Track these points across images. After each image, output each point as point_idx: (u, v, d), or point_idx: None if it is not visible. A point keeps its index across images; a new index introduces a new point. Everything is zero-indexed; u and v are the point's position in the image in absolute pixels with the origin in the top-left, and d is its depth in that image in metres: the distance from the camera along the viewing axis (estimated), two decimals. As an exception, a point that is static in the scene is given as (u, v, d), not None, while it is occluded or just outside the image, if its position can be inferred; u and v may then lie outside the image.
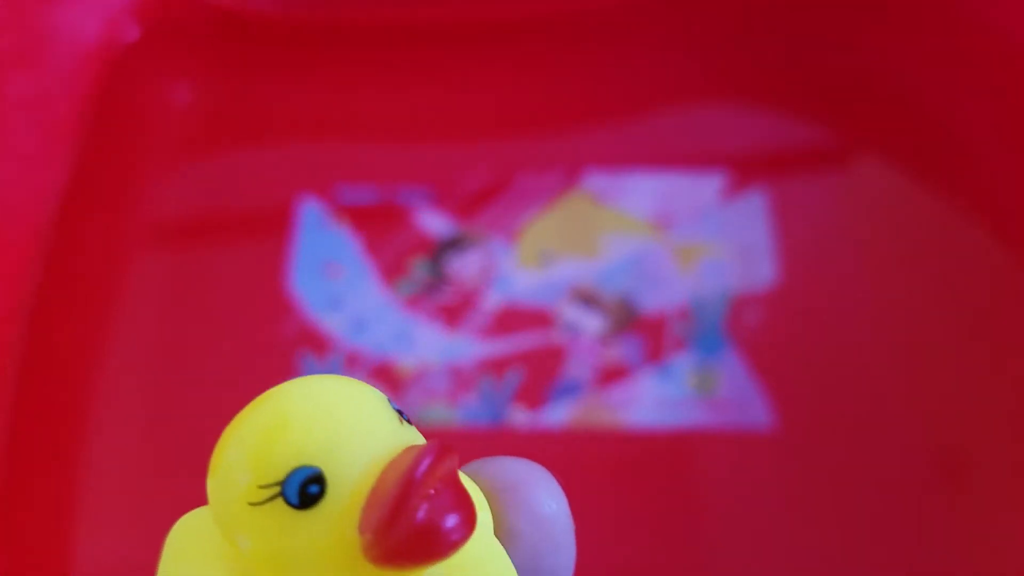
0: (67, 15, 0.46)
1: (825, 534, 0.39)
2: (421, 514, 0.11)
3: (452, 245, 0.46)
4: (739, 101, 0.50)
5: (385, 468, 0.12)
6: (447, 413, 0.42)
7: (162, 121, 0.50)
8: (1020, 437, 0.40)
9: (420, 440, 0.13)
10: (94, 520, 0.40)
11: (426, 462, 0.11)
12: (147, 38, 0.48)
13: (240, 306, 0.45)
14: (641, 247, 0.46)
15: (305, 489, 0.12)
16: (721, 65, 0.50)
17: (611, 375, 0.43)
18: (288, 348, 0.44)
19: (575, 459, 0.42)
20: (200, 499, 0.13)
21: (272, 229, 0.47)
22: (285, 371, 0.43)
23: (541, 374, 0.43)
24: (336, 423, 0.12)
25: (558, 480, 0.14)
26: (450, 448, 0.12)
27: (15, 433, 0.38)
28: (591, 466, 0.41)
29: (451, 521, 0.11)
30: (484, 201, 0.47)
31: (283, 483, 0.12)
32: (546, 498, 0.14)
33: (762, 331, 0.43)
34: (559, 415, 0.42)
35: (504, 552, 0.13)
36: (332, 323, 0.44)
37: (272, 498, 0.12)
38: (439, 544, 0.11)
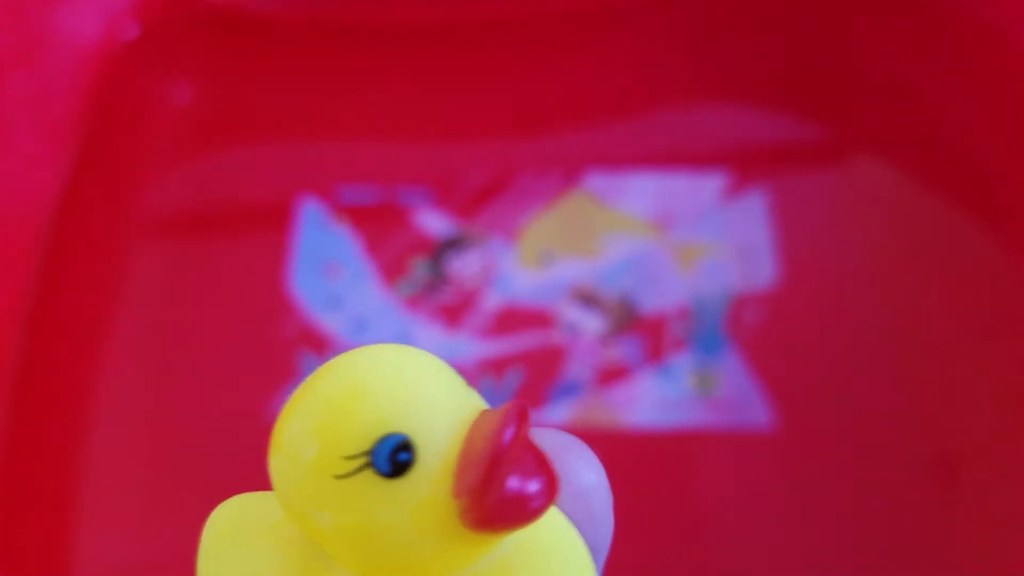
0: (67, 15, 0.46)
1: (825, 534, 0.39)
2: (512, 479, 0.11)
3: (452, 245, 0.46)
4: (739, 101, 0.50)
5: (469, 431, 0.12)
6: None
7: (162, 121, 0.50)
8: (1020, 438, 0.40)
9: (486, 405, 0.13)
10: (93, 517, 0.40)
11: (512, 425, 0.11)
12: (147, 38, 0.48)
13: (240, 306, 0.45)
14: (641, 247, 0.46)
15: (395, 457, 0.11)
16: (721, 65, 0.50)
17: (611, 375, 0.43)
18: (288, 348, 0.44)
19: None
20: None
21: (272, 229, 0.47)
22: (285, 371, 0.43)
23: (541, 374, 0.43)
24: (416, 388, 0.12)
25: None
26: (527, 411, 0.12)
27: (15, 430, 0.38)
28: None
29: (537, 486, 0.11)
30: (484, 201, 0.47)
31: (371, 452, 0.11)
32: (585, 470, 0.14)
33: (762, 331, 0.43)
34: (559, 415, 0.42)
35: (564, 516, 0.13)
36: (332, 323, 0.44)
37: (360, 468, 0.11)
38: (529, 508, 0.11)
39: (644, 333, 0.44)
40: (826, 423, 0.41)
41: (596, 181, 0.48)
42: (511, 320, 0.44)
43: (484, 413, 0.12)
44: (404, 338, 0.44)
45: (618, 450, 0.41)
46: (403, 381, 0.12)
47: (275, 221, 0.47)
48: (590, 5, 0.50)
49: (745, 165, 0.48)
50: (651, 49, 0.51)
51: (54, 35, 0.45)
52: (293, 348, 0.44)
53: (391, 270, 0.46)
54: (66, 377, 0.43)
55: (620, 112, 0.50)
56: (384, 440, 0.11)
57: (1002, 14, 0.44)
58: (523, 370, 0.43)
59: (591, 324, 0.44)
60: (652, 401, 0.42)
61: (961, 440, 0.40)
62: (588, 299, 0.45)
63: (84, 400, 0.42)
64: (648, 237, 0.46)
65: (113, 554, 0.39)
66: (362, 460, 0.11)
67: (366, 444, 0.11)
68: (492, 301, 0.45)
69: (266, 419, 0.42)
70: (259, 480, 0.13)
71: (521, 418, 0.12)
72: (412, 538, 0.12)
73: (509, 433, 0.11)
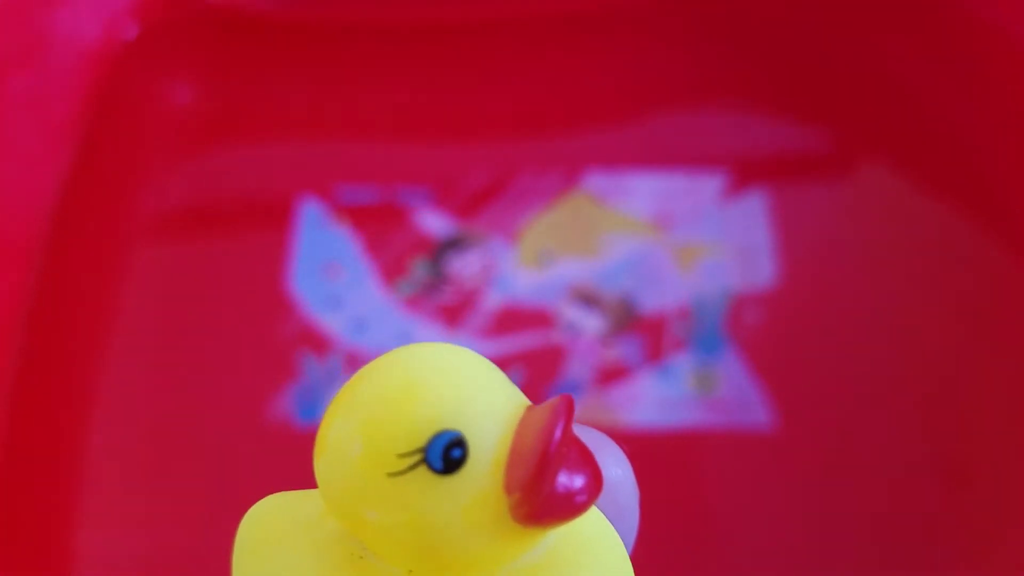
0: (67, 15, 0.46)
1: (825, 534, 0.39)
2: (563, 476, 0.11)
3: (452, 245, 0.46)
4: (740, 102, 0.50)
5: (519, 426, 0.12)
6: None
7: (162, 120, 0.50)
8: (1021, 438, 0.40)
9: (528, 401, 0.13)
10: (93, 516, 0.40)
11: (562, 421, 0.11)
12: (147, 37, 0.48)
13: (240, 306, 0.45)
14: (641, 247, 0.46)
15: (449, 454, 0.12)
16: (722, 66, 0.50)
17: (611, 375, 0.43)
18: (288, 348, 0.44)
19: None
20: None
21: (272, 229, 0.47)
22: (285, 371, 0.43)
23: (541, 374, 0.43)
24: (467, 385, 0.12)
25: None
26: (573, 406, 0.12)
27: (15, 429, 0.38)
28: (591, 466, 0.41)
29: (582, 481, 0.12)
30: (484, 201, 0.47)
31: (425, 449, 0.12)
32: (612, 464, 0.14)
33: (762, 331, 0.43)
34: (559, 415, 0.42)
35: (598, 510, 0.13)
36: (332, 323, 0.44)
37: (414, 466, 0.12)
38: (577, 503, 0.11)
39: (644, 333, 0.44)
40: (826, 423, 0.41)
41: (596, 181, 0.48)
42: (511, 320, 0.44)
43: (531, 409, 0.12)
44: (404, 338, 0.44)
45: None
46: (454, 378, 0.12)
47: (275, 221, 0.47)
48: (591, 6, 0.50)
49: (745, 166, 0.48)
50: (652, 50, 0.51)
51: (54, 35, 0.45)
52: (293, 348, 0.44)
53: (391, 270, 0.46)
54: (66, 377, 0.43)
55: (620, 112, 0.50)
56: (437, 437, 0.12)
57: (1008, 20, 0.44)
58: (523, 370, 0.43)
59: (591, 324, 0.44)
60: (652, 401, 0.42)
61: (962, 440, 0.40)
62: (588, 299, 0.45)
63: (84, 400, 0.42)
64: (648, 237, 0.46)
65: (113, 553, 0.39)
66: (416, 457, 0.12)
67: (420, 441, 0.12)
68: (492, 301, 0.45)
69: (266, 419, 0.42)
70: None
71: (569, 414, 0.12)
72: (463, 533, 0.12)
73: (559, 430, 0.11)
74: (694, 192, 0.47)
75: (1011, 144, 0.44)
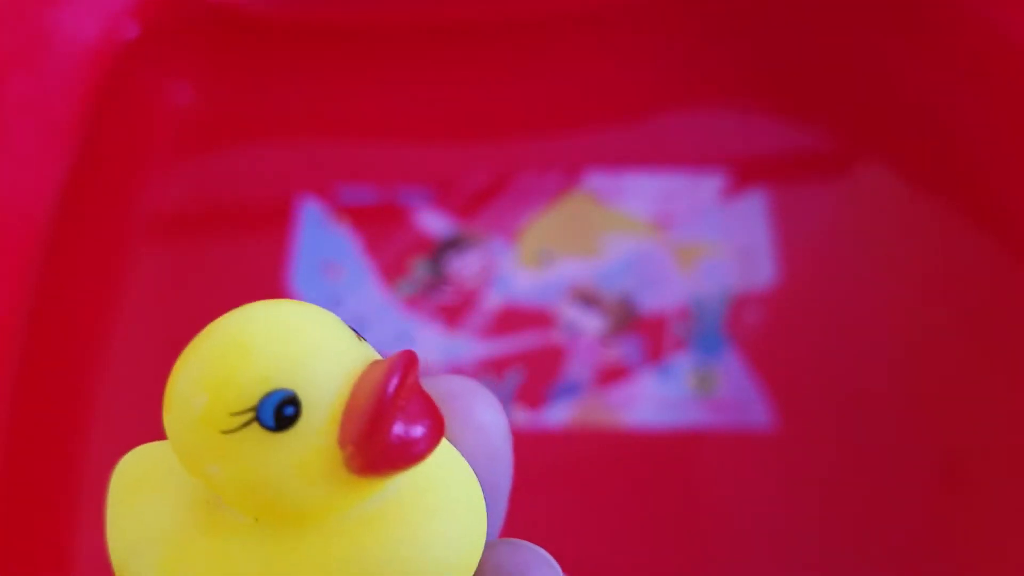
0: (67, 15, 0.46)
1: (825, 534, 0.39)
2: (397, 426, 0.12)
3: (452, 245, 0.46)
4: (739, 102, 0.50)
5: (356, 382, 0.12)
6: (447, 413, 0.42)
7: (162, 120, 0.50)
8: (1021, 438, 0.40)
9: (377, 356, 0.13)
10: (93, 517, 0.40)
11: (397, 374, 0.12)
12: (147, 37, 0.48)
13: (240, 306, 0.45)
14: (641, 247, 0.46)
15: (281, 411, 0.12)
16: (721, 66, 0.50)
17: (611, 375, 0.43)
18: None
19: (575, 459, 0.42)
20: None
21: (272, 229, 0.47)
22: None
23: (541, 374, 0.43)
24: (301, 343, 0.12)
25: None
26: (415, 359, 0.12)
27: (15, 429, 0.38)
28: (591, 466, 0.41)
29: (421, 430, 0.12)
30: (484, 201, 0.47)
31: (257, 408, 0.12)
32: (482, 409, 0.15)
33: (762, 331, 0.43)
34: (559, 415, 0.42)
35: (459, 454, 0.14)
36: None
37: (246, 424, 0.12)
38: (413, 452, 0.12)
39: (644, 333, 0.44)
40: (826, 423, 0.41)
41: (596, 181, 0.48)
42: (511, 320, 0.44)
43: (373, 364, 0.12)
44: (404, 338, 0.44)
45: (618, 450, 0.41)
46: (287, 337, 0.12)
47: (275, 221, 0.47)
48: (591, 7, 0.50)
49: (745, 166, 0.48)
50: (652, 50, 0.51)
51: (54, 35, 0.45)
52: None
53: (391, 270, 0.46)
54: (66, 377, 0.43)
55: (620, 112, 0.50)
56: (269, 396, 0.12)
57: (1007, 20, 0.44)
58: (523, 370, 0.43)
59: (591, 324, 0.44)
60: (652, 401, 0.42)
61: (962, 440, 0.40)
62: (588, 299, 0.45)
63: (84, 399, 0.42)
64: (648, 237, 0.46)
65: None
66: (248, 416, 0.12)
67: (251, 401, 0.12)
68: (492, 301, 0.45)
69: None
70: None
71: (408, 366, 0.12)
72: (298, 487, 0.12)
73: (394, 382, 0.12)
74: (694, 192, 0.47)
75: (1010, 144, 0.44)
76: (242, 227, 0.49)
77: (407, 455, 0.12)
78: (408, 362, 0.12)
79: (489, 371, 0.43)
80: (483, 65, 0.51)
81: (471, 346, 0.44)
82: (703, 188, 0.47)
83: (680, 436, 0.41)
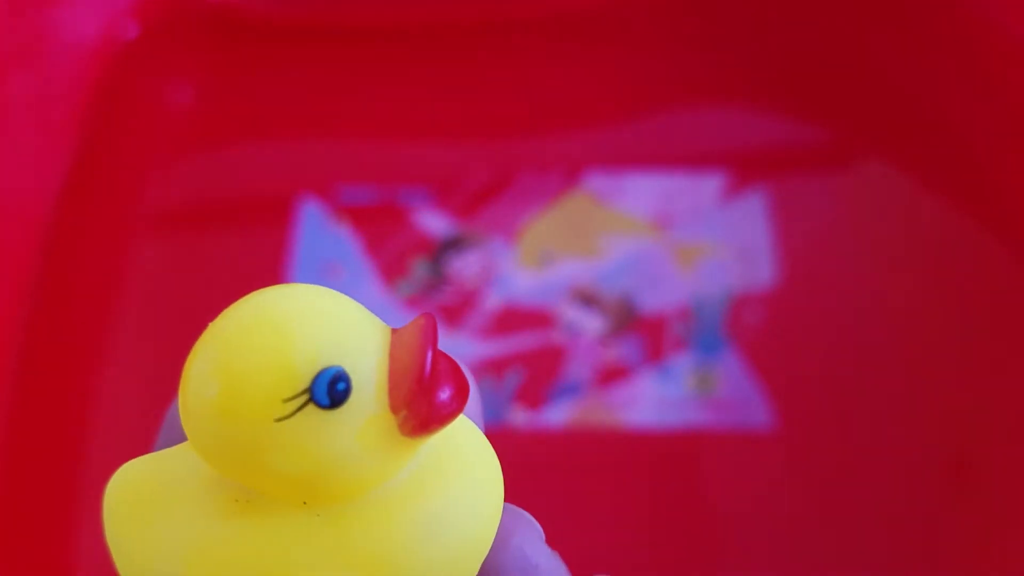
0: (67, 15, 0.46)
1: (825, 534, 0.39)
2: (441, 387, 0.13)
3: (452, 245, 0.46)
4: (739, 101, 0.50)
5: (392, 349, 0.13)
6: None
7: (162, 120, 0.50)
8: (1021, 437, 0.40)
9: (386, 324, 0.13)
10: (93, 517, 0.40)
11: (431, 339, 0.13)
12: (147, 37, 0.48)
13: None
14: (641, 247, 0.46)
15: (334, 388, 0.12)
16: (721, 65, 0.50)
17: (611, 375, 0.43)
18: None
19: (575, 459, 0.42)
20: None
21: (272, 229, 0.47)
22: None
23: (541, 374, 0.43)
24: (335, 320, 0.13)
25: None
26: (436, 322, 0.13)
27: (15, 428, 0.38)
28: (591, 466, 0.41)
29: (455, 387, 0.13)
30: (484, 201, 0.47)
31: (311, 389, 0.12)
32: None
33: (762, 331, 0.43)
34: (559, 415, 0.42)
35: (468, 419, 0.14)
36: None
37: (302, 407, 0.12)
38: (454, 408, 0.13)
39: (644, 333, 0.44)
40: (826, 423, 0.41)
41: (596, 181, 0.48)
42: (511, 320, 0.44)
43: (398, 332, 0.13)
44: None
45: (618, 450, 0.41)
46: (320, 315, 0.13)
47: (275, 220, 0.47)
48: (590, 7, 0.50)
49: (745, 165, 0.48)
50: (652, 50, 0.51)
51: (54, 35, 0.45)
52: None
53: (391, 270, 0.46)
54: (66, 376, 0.43)
55: (620, 112, 0.50)
56: (320, 375, 0.12)
57: (1006, 17, 0.44)
58: (523, 370, 0.43)
59: (591, 324, 0.44)
60: (652, 401, 0.42)
61: (963, 439, 0.40)
62: (588, 299, 0.45)
63: (84, 399, 0.42)
64: (648, 237, 0.46)
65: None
66: (303, 399, 0.12)
67: (304, 383, 0.12)
68: (492, 301, 0.45)
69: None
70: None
71: (435, 329, 0.13)
72: (359, 458, 0.12)
73: (431, 346, 0.12)
74: (694, 192, 0.47)
75: (1011, 143, 0.44)
76: (242, 227, 0.49)
77: (451, 410, 0.13)
78: (434, 325, 0.13)
79: (489, 371, 0.43)
80: (483, 65, 0.51)
81: (471, 346, 0.44)
82: (703, 188, 0.47)
83: (680, 436, 0.41)
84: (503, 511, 0.14)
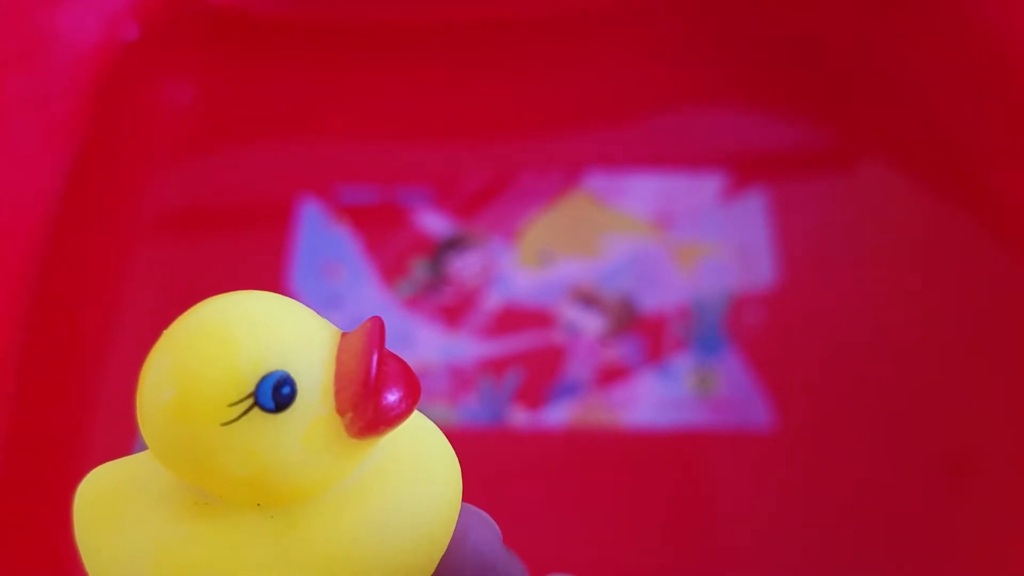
0: (67, 15, 0.46)
1: (825, 534, 0.39)
2: (388, 389, 0.13)
3: (452, 245, 0.46)
4: (739, 102, 0.50)
5: (339, 352, 0.13)
6: (447, 413, 0.42)
7: (162, 120, 0.50)
8: (1020, 437, 0.40)
9: (338, 329, 0.14)
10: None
11: (377, 341, 0.13)
12: (147, 38, 0.48)
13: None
14: (641, 247, 0.46)
15: (279, 392, 0.12)
16: (721, 66, 0.50)
17: (611, 375, 0.43)
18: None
19: (575, 459, 0.42)
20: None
21: (272, 229, 0.47)
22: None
23: (541, 374, 0.43)
24: (280, 326, 0.13)
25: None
26: (384, 325, 0.13)
27: (16, 429, 0.38)
28: (591, 466, 0.41)
29: (404, 389, 0.13)
30: (484, 201, 0.47)
31: (255, 393, 0.12)
32: None
33: (762, 331, 0.43)
34: (559, 415, 0.42)
35: (426, 418, 0.14)
36: (332, 323, 0.44)
37: (247, 411, 0.12)
38: (403, 409, 0.13)
39: (644, 333, 0.44)
40: (826, 423, 0.41)
41: (596, 181, 0.48)
42: (511, 320, 0.44)
43: (346, 335, 0.13)
44: (404, 338, 0.44)
45: (618, 450, 0.41)
46: (264, 322, 0.13)
47: (275, 221, 0.47)
48: (590, 8, 0.50)
49: (745, 165, 0.48)
50: (652, 50, 0.51)
51: (54, 35, 0.45)
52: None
53: (391, 270, 0.46)
54: (67, 376, 0.43)
55: (620, 112, 0.50)
56: (264, 380, 0.12)
57: (1006, 18, 0.44)
58: (523, 370, 0.43)
59: (591, 324, 0.44)
60: (652, 401, 0.42)
61: (964, 438, 0.40)
62: (588, 299, 0.45)
63: (85, 399, 0.42)
64: (648, 237, 0.46)
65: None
66: (248, 403, 0.12)
67: (248, 388, 0.12)
68: (492, 301, 0.45)
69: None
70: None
71: (382, 332, 0.13)
72: (306, 460, 0.13)
73: (377, 348, 0.13)
74: (694, 192, 0.47)
75: (1010, 143, 0.44)
76: (242, 227, 0.49)
77: (399, 412, 0.13)
78: (381, 328, 0.13)
79: (489, 371, 0.43)
80: (484, 65, 0.51)
81: (471, 346, 0.44)
82: (703, 188, 0.47)
83: (680, 436, 0.41)
84: (460, 511, 0.14)
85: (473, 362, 0.43)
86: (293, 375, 0.12)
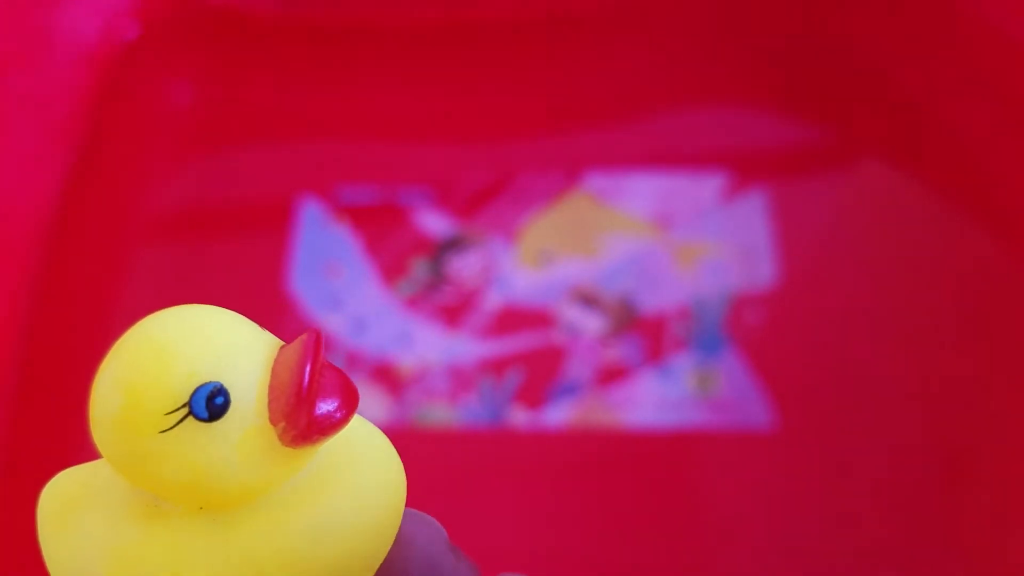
0: (67, 15, 0.46)
1: (825, 534, 0.39)
2: (321, 398, 0.13)
3: (452, 245, 0.46)
4: (739, 101, 0.50)
5: (273, 366, 0.14)
6: (447, 413, 0.42)
7: (162, 120, 0.50)
8: (1020, 437, 0.40)
9: (279, 341, 0.14)
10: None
11: (311, 352, 0.13)
12: (147, 38, 0.48)
13: (240, 306, 0.45)
14: (641, 247, 0.46)
15: (212, 402, 0.13)
16: (721, 65, 0.50)
17: (611, 375, 0.43)
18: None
19: (575, 459, 0.42)
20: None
21: (272, 229, 0.47)
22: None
23: (541, 374, 0.43)
24: (215, 338, 0.14)
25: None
26: (322, 337, 0.14)
27: (16, 429, 0.38)
28: (591, 466, 0.41)
29: (340, 399, 0.13)
30: (484, 201, 0.47)
31: (189, 403, 0.13)
32: None
33: (762, 331, 0.43)
34: (559, 415, 0.42)
35: (371, 424, 0.15)
36: (332, 323, 0.44)
37: (181, 420, 0.13)
38: (337, 418, 0.13)
39: (644, 333, 0.44)
40: (826, 423, 0.41)
41: (596, 181, 0.48)
42: (511, 320, 0.44)
43: (284, 347, 0.14)
44: (404, 338, 0.44)
45: (618, 450, 0.41)
46: (201, 334, 0.14)
47: (275, 221, 0.47)
48: (590, 7, 0.50)
49: (745, 165, 0.48)
50: (652, 50, 0.51)
51: (54, 35, 0.45)
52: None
53: (391, 270, 0.46)
54: (66, 376, 0.43)
55: (620, 112, 0.50)
56: (199, 391, 0.13)
57: (1005, 18, 0.44)
58: (523, 370, 0.43)
59: (591, 324, 0.44)
60: (652, 401, 0.42)
61: (964, 438, 0.40)
62: (588, 299, 0.45)
63: (85, 400, 0.42)
64: (648, 237, 0.46)
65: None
66: (182, 412, 0.13)
67: (183, 398, 0.13)
68: (492, 301, 0.45)
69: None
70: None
71: (317, 343, 0.13)
72: (240, 467, 0.13)
73: (310, 359, 0.13)
74: (694, 192, 0.47)
75: (1009, 143, 0.44)
76: (243, 227, 0.49)
77: (333, 421, 0.13)
78: (317, 340, 0.13)
79: (489, 371, 0.43)
80: (484, 65, 0.51)
81: (471, 346, 0.44)
82: (703, 188, 0.47)
83: (680, 436, 0.41)
84: (406, 516, 0.14)
85: (473, 362, 0.43)
86: (227, 386, 0.13)
